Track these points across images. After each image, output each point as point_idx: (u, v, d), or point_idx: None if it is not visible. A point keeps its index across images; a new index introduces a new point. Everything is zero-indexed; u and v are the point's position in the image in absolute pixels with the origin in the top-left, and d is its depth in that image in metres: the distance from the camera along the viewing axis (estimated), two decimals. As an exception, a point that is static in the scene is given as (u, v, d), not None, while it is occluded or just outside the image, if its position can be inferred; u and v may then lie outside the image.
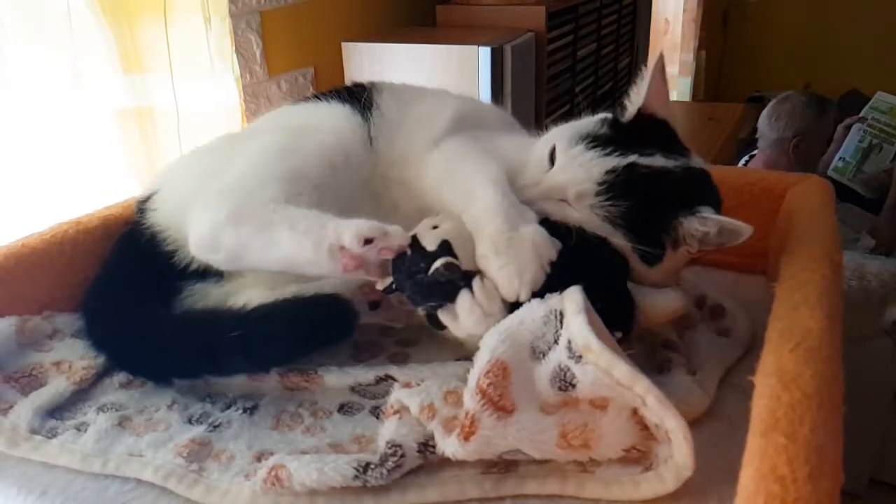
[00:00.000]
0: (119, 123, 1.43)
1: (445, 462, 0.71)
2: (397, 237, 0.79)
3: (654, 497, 0.67)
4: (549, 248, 0.79)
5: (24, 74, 1.25)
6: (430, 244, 0.79)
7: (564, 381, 0.69)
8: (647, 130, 0.88)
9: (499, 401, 0.68)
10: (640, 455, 0.69)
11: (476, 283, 0.79)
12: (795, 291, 0.77)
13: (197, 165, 1.00)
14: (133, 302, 0.90)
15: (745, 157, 2.98)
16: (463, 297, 0.79)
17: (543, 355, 0.71)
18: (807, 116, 2.70)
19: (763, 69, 5.34)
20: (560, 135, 0.90)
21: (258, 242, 0.82)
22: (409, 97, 1.07)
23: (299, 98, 1.12)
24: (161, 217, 0.94)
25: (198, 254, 0.86)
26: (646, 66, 3.34)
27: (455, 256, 0.78)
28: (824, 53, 5.11)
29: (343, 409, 0.84)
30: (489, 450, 0.69)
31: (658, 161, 0.85)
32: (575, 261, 0.81)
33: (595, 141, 0.86)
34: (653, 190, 0.83)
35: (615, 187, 0.83)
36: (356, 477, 0.68)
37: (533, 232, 0.80)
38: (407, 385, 0.80)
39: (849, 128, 3.09)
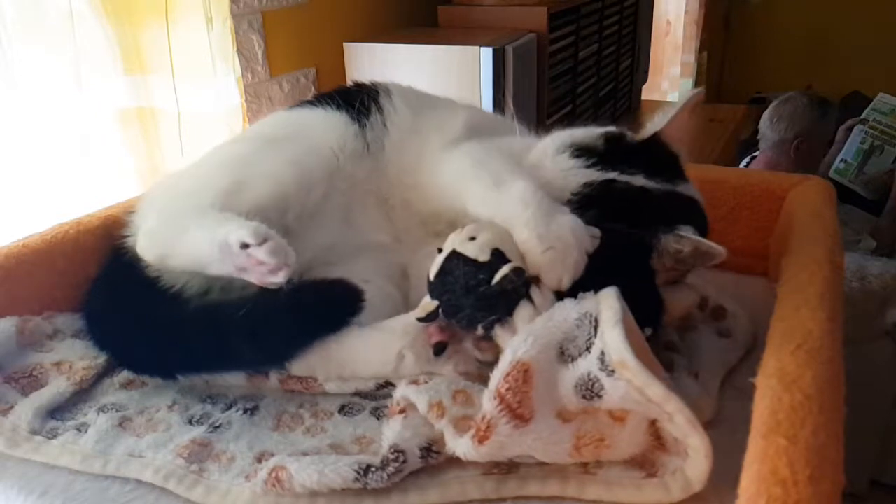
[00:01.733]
0: (121, 124, 1.42)
1: (447, 463, 0.72)
2: (275, 254, 0.78)
3: (655, 502, 0.67)
4: (587, 236, 0.79)
5: (27, 75, 1.25)
6: (482, 255, 0.77)
7: (591, 392, 0.68)
8: (652, 155, 0.88)
9: (517, 408, 0.68)
10: (642, 459, 0.69)
11: (535, 291, 0.77)
12: (797, 293, 0.77)
13: (170, 186, 1.00)
14: (135, 301, 0.90)
15: (747, 159, 2.98)
16: (524, 309, 0.77)
17: (572, 360, 0.70)
18: (808, 118, 2.70)
19: (765, 71, 5.33)
20: (555, 139, 0.90)
21: (177, 243, 0.85)
22: (421, 102, 1.07)
23: (301, 99, 1.12)
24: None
25: (141, 254, 0.88)
26: (647, 69, 3.35)
27: (509, 260, 0.77)
28: (826, 55, 5.10)
29: (344, 410, 0.84)
30: (501, 453, 0.69)
31: (638, 181, 0.85)
32: (604, 257, 0.79)
33: (582, 151, 0.87)
34: (626, 207, 0.84)
35: (587, 199, 0.84)
36: (357, 479, 0.68)
37: (571, 219, 0.79)
38: (414, 382, 0.79)
39: (850, 129, 3.08)
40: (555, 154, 0.88)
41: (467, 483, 0.70)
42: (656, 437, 0.69)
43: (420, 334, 0.82)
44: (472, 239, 0.79)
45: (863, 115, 3.11)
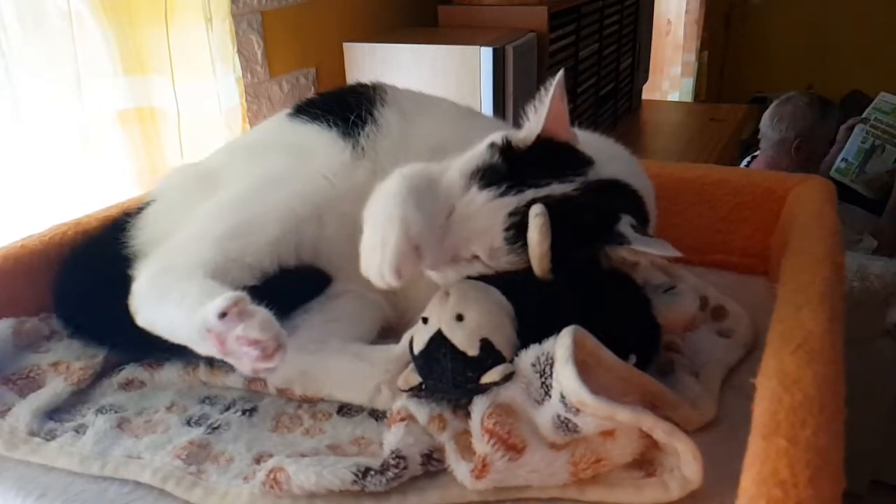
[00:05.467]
0: (120, 124, 1.42)
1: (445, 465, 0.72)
2: (257, 326, 0.69)
3: (655, 502, 0.67)
4: (416, 222, 0.72)
5: (26, 75, 1.24)
6: (471, 349, 0.73)
7: (567, 429, 0.68)
8: (546, 156, 0.81)
9: (508, 438, 0.68)
10: (640, 459, 0.69)
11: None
12: (797, 293, 0.77)
13: (181, 196, 0.98)
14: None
15: (748, 158, 2.98)
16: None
17: (538, 402, 0.70)
18: (809, 118, 2.70)
19: (765, 70, 5.33)
20: (457, 174, 0.81)
21: (160, 317, 0.79)
22: (414, 109, 1.05)
23: (300, 99, 1.11)
24: (139, 243, 0.94)
25: (132, 311, 0.82)
26: (648, 68, 3.34)
27: (498, 352, 0.73)
28: (827, 54, 5.10)
29: (342, 411, 0.84)
30: (499, 485, 0.69)
31: (557, 189, 0.77)
32: (574, 294, 0.77)
33: (488, 176, 0.78)
34: (559, 225, 0.74)
35: (519, 229, 0.76)
36: (355, 481, 0.68)
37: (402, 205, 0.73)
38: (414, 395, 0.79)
39: (851, 129, 3.08)
40: (462, 193, 0.78)
41: (465, 484, 0.69)
42: (649, 437, 0.69)
43: (399, 372, 0.80)
44: (460, 318, 0.74)
45: (864, 115, 3.11)
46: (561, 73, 0.82)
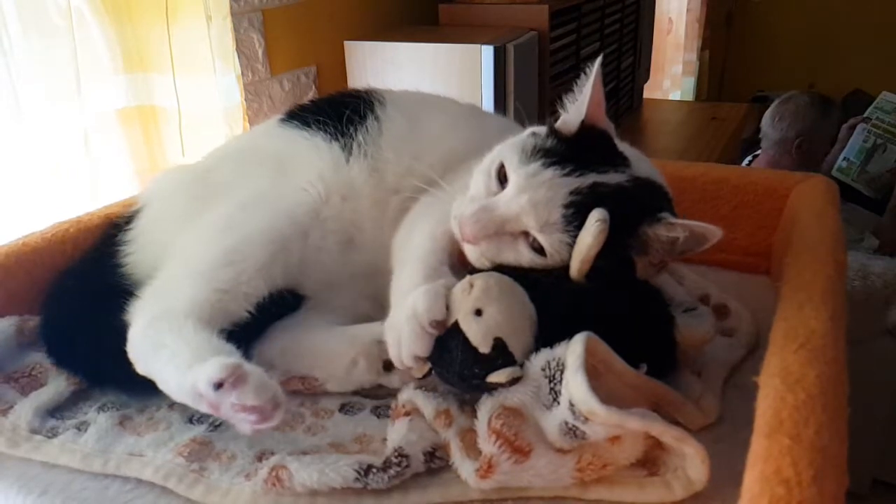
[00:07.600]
0: (121, 122, 1.42)
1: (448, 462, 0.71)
2: (252, 392, 0.69)
3: (657, 501, 0.67)
4: (426, 312, 0.73)
5: (26, 74, 1.24)
6: (483, 345, 0.71)
7: (575, 436, 0.67)
8: (592, 144, 0.82)
9: (515, 441, 0.68)
10: (643, 457, 0.69)
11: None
12: (799, 291, 0.77)
13: (171, 209, 0.97)
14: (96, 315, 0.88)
15: (749, 157, 2.98)
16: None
17: (547, 407, 0.70)
18: (810, 117, 2.69)
19: (767, 69, 5.32)
20: (508, 151, 0.82)
21: (154, 370, 0.77)
22: (416, 107, 1.05)
23: (301, 98, 1.11)
24: (134, 261, 0.94)
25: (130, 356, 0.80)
26: (649, 67, 3.34)
27: (510, 354, 0.72)
28: (828, 53, 5.09)
29: (344, 408, 0.84)
30: (502, 485, 0.69)
31: (614, 178, 0.79)
32: (600, 303, 0.76)
33: (550, 157, 0.79)
34: (617, 209, 0.75)
35: (578, 209, 0.76)
36: (357, 479, 0.68)
37: (413, 296, 0.75)
38: (420, 387, 0.78)
39: (853, 128, 3.08)
40: (520, 166, 0.79)
41: (468, 483, 0.69)
42: (653, 438, 0.69)
43: (380, 347, 0.81)
44: (479, 313, 0.72)
45: (865, 114, 3.11)
46: (599, 58, 0.83)
